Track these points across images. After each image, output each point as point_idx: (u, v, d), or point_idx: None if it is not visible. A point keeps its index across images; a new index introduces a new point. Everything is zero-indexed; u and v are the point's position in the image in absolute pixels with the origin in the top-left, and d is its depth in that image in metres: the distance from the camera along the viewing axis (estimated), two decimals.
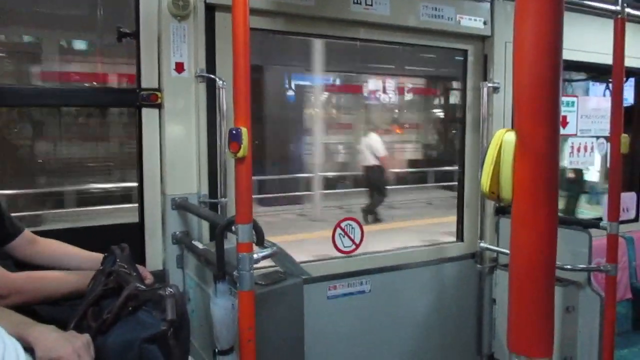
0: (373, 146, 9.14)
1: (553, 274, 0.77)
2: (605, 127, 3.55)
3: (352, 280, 2.91)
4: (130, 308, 1.50)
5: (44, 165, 8.76)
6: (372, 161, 9.15)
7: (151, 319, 1.46)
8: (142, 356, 1.39)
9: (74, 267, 1.83)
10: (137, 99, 2.36)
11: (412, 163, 13.75)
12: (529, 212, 0.77)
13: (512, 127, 0.83)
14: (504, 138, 0.80)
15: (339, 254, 2.93)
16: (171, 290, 1.50)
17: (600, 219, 2.74)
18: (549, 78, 0.75)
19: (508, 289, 0.79)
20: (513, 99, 0.80)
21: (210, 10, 2.46)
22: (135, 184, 2.49)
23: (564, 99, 3.57)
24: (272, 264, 2.20)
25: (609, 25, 2.48)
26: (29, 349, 1.26)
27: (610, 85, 3.41)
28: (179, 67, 2.40)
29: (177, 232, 2.45)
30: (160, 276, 2.35)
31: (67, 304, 1.69)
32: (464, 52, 3.22)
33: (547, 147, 0.76)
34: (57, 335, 1.34)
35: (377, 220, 9.15)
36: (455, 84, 11.66)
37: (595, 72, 3.88)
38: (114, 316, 1.46)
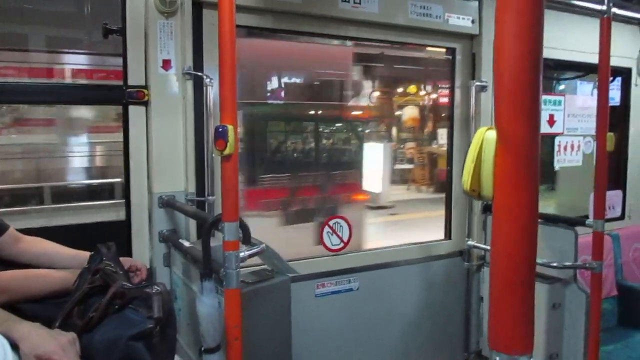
0: None
1: (533, 271, 0.78)
2: (592, 126, 3.58)
3: (340, 278, 2.91)
4: (116, 306, 1.49)
5: None
6: None
7: (138, 316, 1.46)
8: (128, 353, 1.39)
9: (59, 265, 1.82)
10: (123, 96, 2.35)
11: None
12: (510, 209, 0.77)
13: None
14: (485, 136, 0.80)
15: (327, 252, 2.94)
16: (158, 288, 1.51)
17: (587, 217, 2.77)
18: (528, 75, 0.75)
19: (489, 285, 0.79)
20: (494, 96, 0.81)
21: (197, 7, 2.45)
22: None
23: (551, 97, 3.60)
24: (260, 262, 2.20)
25: (595, 24, 2.50)
26: (14, 345, 1.26)
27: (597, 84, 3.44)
28: (166, 64, 2.39)
29: (164, 230, 2.44)
30: (147, 274, 2.34)
31: (52, 302, 1.68)
32: (452, 51, 3.24)
33: (527, 144, 0.76)
34: (42, 332, 1.33)
35: None
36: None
37: (582, 71, 3.91)
38: (100, 314, 1.46)
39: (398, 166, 12.96)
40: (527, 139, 0.76)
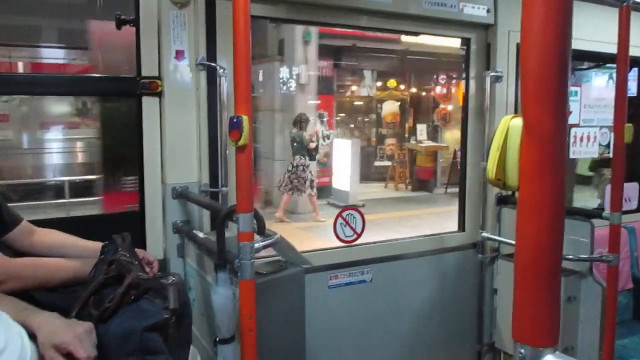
0: None
1: (559, 262, 0.76)
2: (608, 117, 3.53)
3: (353, 270, 2.90)
4: (132, 297, 1.50)
5: None
6: None
7: (153, 307, 1.46)
8: (143, 344, 1.39)
9: (73, 256, 1.82)
10: (137, 87, 2.34)
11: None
12: (536, 198, 0.75)
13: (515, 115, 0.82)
14: (511, 124, 0.79)
15: (340, 244, 2.93)
16: (174, 278, 1.50)
17: (603, 209, 2.73)
18: (557, 62, 0.73)
19: (513, 277, 0.78)
20: (519, 84, 0.79)
21: None
22: None
23: None
24: (274, 253, 2.20)
25: (613, 13, 2.45)
26: (32, 335, 1.27)
27: (614, 74, 3.39)
28: (179, 55, 2.38)
29: (178, 221, 2.44)
30: (161, 265, 2.34)
31: (65, 290, 1.69)
32: (467, 41, 3.20)
33: (554, 133, 0.74)
34: (59, 321, 1.34)
35: None
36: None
37: (600, 61, 3.85)
38: (116, 304, 1.46)
39: (378, 163, 12.84)
40: (554, 130, 0.74)
